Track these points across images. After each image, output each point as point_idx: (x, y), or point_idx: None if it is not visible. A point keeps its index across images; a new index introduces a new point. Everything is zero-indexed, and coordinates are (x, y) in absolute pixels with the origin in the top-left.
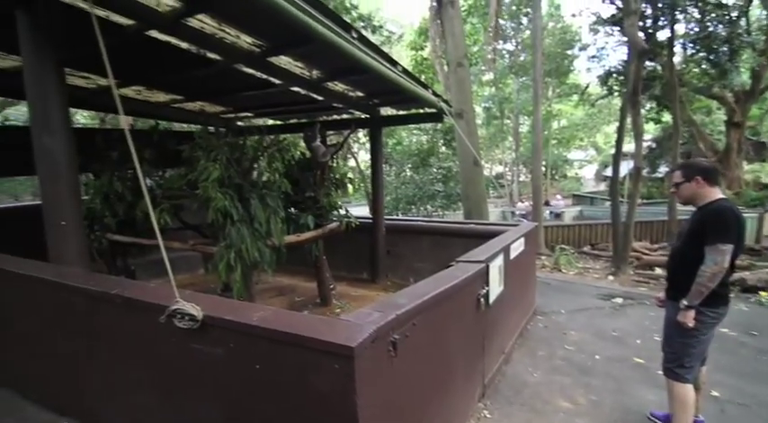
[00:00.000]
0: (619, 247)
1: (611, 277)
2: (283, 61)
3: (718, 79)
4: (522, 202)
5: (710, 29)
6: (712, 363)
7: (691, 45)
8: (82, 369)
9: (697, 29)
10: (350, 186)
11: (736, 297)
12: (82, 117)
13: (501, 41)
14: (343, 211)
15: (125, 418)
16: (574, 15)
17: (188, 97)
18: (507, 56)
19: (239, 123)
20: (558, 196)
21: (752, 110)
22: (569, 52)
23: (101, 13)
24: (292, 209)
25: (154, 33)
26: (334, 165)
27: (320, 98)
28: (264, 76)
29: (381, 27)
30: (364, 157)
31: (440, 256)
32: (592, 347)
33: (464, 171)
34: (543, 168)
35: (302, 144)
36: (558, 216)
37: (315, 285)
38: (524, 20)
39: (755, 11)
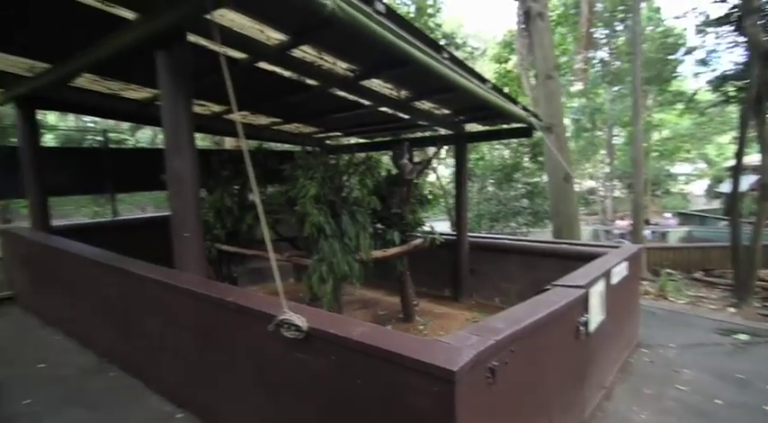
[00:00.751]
0: (741, 275)
1: (731, 309)
2: (374, 84)
3: None
4: (623, 219)
5: None
6: None
7: None
8: (198, 366)
9: None
10: (432, 202)
11: None
12: (199, 140)
13: (593, 50)
14: (427, 228)
15: (235, 415)
16: (678, 17)
17: (286, 120)
18: (599, 64)
19: (328, 142)
20: (667, 214)
21: None
22: (672, 57)
23: (219, 49)
24: (379, 225)
25: (262, 64)
26: (419, 182)
27: (406, 117)
28: (355, 98)
29: (464, 44)
30: (443, 172)
31: (528, 278)
32: (710, 390)
33: (554, 187)
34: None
35: (387, 161)
36: (662, 236)
37: (397, 300)
38: (619, 26)
39: None
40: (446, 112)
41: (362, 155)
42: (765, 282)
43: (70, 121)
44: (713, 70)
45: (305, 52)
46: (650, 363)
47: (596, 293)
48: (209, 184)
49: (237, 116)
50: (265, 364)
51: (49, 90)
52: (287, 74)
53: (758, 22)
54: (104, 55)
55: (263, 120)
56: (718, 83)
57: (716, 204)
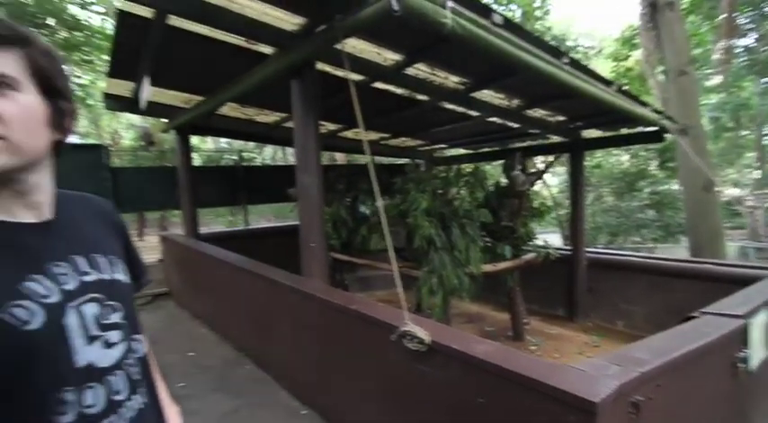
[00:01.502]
0: None
1: None
2: (484, 94)
3: None
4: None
5: None
6: None
7: None
8: (321, 367)
9: None
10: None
11: None
12: None
13: (736, 38)
14: (540, 242)
15: (356, 419)
16: None
17: (394, 134)
18: (744, 53)
19: (435, 155)
20: None
21: None
22: None
23: (340, 73)
24: (489, 238)
25: (377, 84)
26: (531, 193)
27: (516, 125)
28: (463, 110)
29: (576, 44)
30: (553, 181)
31: (658, 301)
32: None
33: (690, 197)
34: None
35: (493, 171)
36: None
37: (506, 317)
38: None
39: None
40: (561, 118)
41: (470, 166)
42: None
43: (209, 143)
44: None
45: (418, 69)
46: None
47: (758, 325)
48: (327, 198)
49: (363, 135)
50: (386, 372)
51: (201, 119)
52: (399, 91)
53: None
54: (248, 86)
55: (372, 135)
56: None
57: None
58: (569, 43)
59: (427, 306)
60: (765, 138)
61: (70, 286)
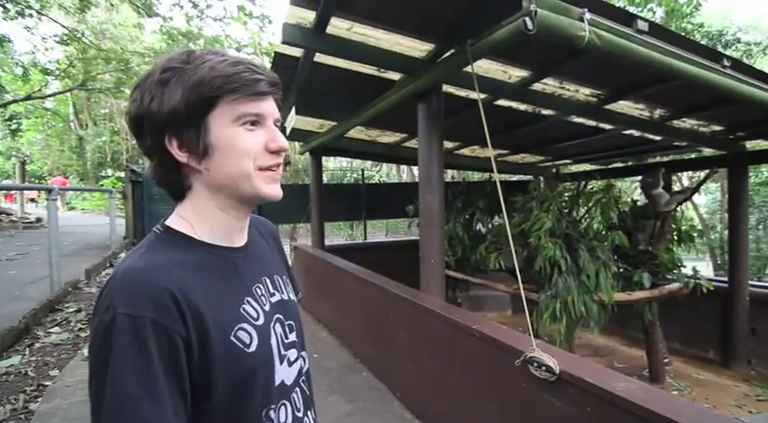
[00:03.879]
0: None
1: None
2: (620, 106)
3: None
4: None
5: None
6: None
7: None
8: (436, 383)
9: None
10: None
11: None
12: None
13: None
14: (688, 271)
15: None
16: None
17: (513, 151)
18: None
19: (554, 170)
20: None
21: None
22: None
23: (463, 93)
24: (623, 263)
25: (499, 101)
26: (677, 214)
27: (658, 138)
28: (594, 123)
29: (736, 40)
30: (701, 200)
31: None
32: None
33: None
34: None
35: (626, 189)
36: None
37: (640, 353)
38: None
39: None
40: (717, 128)
41: (600, 183)
42: None
43: (332, 162)
44: None
45: (545, 84)
46: None
47: None
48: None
49: (491, 152)
50: (507, 398)
51: (332, 141)
52: (523, 107)
53: None
54: (377, 111)
55: (489, 152)
56: None
57: None
58: (727, 38)
59: (546, 333)
60: None
61: (267, 307)
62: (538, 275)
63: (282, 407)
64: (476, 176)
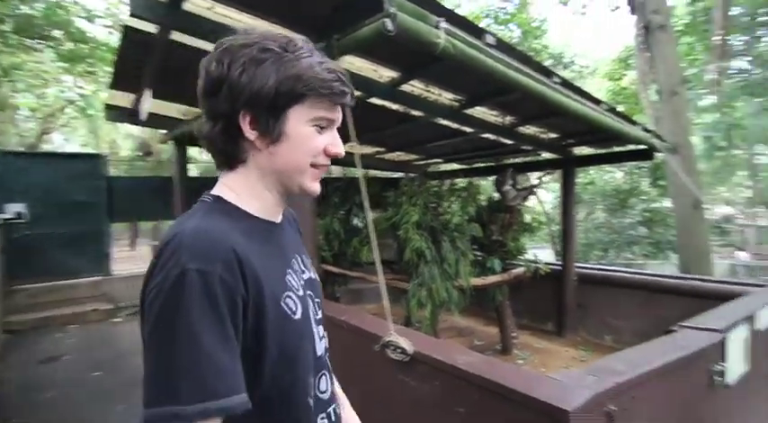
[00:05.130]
0: None
1: None
2: (478, 111)
3: None
4: (742, 250)
5: None
6: None
7: None
8: None
9: None
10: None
11: None
12: None
13: (728, 59)
14: (530, 256)
15: None
16: None
17: (389, 149)
18: (737, 74)
19: (429, 169)
20: None
21: None
22: None
23: None
24: (479, 252)
25: (373, 99)
26: (522, 208)
27: (509, 142)
28: (458, 126)
29: (572, 63)
30: (547, 196)
31: (646, 316)
32: None
33: (680, 215)
34: None
35: (488, 186)
36: None
37: (495, 331)
38: (762, 30)
39: None
40: (553, 136)
41: (463, 181)
42: None
43: (206, 155)
44: None
45: (413, 86)
46: None
47: (737, 340)
48: (320, 210)
49: (357, 149)
50: (368, 382)
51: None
52: (395, 107)
53: None
54: None
55: (367, 149)
56: None
57: None
58: (566, 61)
59: (417, 319)
60: (757, 157)
61: (302, 282)
62: (407, 265)
63: (323, 377)
64: (358, 173)
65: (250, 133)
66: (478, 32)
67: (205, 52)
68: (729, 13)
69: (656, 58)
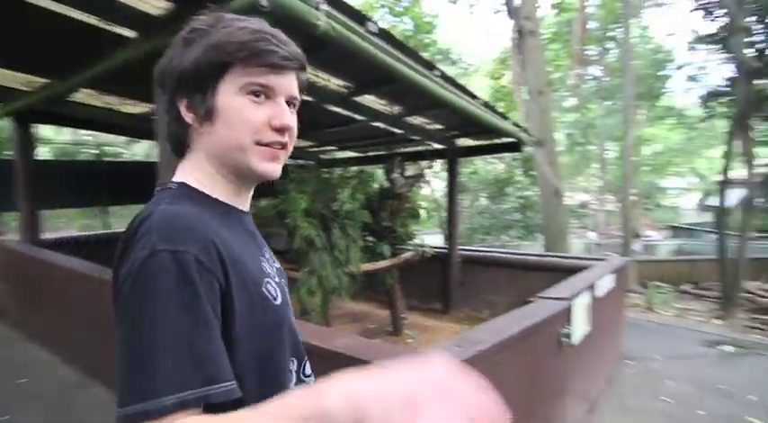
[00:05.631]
0: (727, 287)
1: (717, 321)
2: (368, 99)
3: None
4: (592, 231)
5: None
6: None
7: None
8: None
9: None
10: (423, 215)
11: None
12: None
13: (585, 67)
14: (418, 241)
15: None
16: (669, 35)
17: None
18: (592, 80)
19: (323, 156)
20: (652, 228)
21: None
22: (662, 73)
23: None
24: (370, 238)
25: None
26: (411, 195)
27: (399, 131)
28: (349, 113)
29: (459, 60)
30: (439, 185)
31: (516, 290)
32: (694, 401)
33: (544, 201)
34: (634, 197)
35: (381, 174)
36: (652, 249)
37: (387, 313)
38: (611, 44)
39: None
40: (438, 127)
41: (356, 168)
42: (751, 294)
43: (66, 135)
44: (703, 86)
45: None
46: (635, 375)
47: (580, 306)
48: None
49: None
50: None
51: (45, 105)
52: None
53: (743, 41)
54: (104, 72)
55: None
56: (707, 98)
57: (706, 217)
58: (453, 57)
59: (311, 308)
60: (606, 152)
61: (275, 270)
62: (297, 254)
63: (307, 362)
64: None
65: (187, 116)
66: (361, 19)
67: (53, 15)
68: (587, 26)
69: (527, 61)
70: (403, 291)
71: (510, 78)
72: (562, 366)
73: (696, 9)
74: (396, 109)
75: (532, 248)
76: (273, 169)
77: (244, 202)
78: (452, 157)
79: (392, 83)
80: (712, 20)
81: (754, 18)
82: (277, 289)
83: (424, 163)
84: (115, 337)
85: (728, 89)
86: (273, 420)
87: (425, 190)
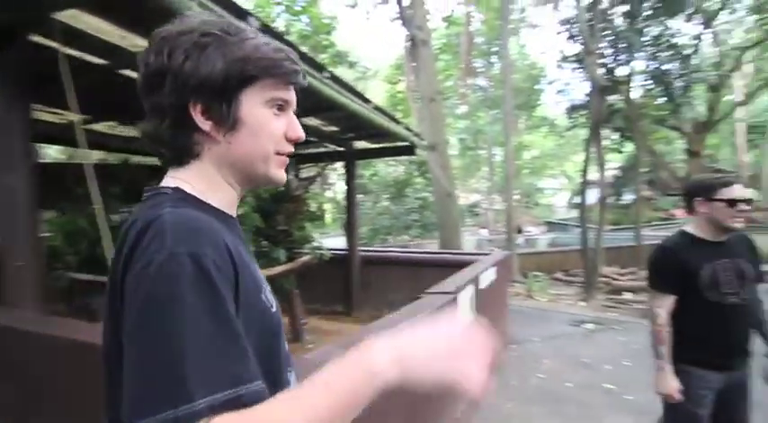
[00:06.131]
0: (588, 273)
1: (582, 303)
2: None
3: (673, 112)
4: (483, 228)
5: (665, 66)
6: None
7: (648, 81)
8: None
9: (654, 66)
10: (327, 218)
11: None
12: (55, 152)
13: (473, 77)
14: (317, 244)
15: None
16: (543, 53)
17: None
18: (479, 90)
19: None
20: (532, 224)
21: (709, 139)
22: (537, 87)
23: (74, 52)
24: (265, 243)
25: (126, 72)
26: (308, 197)
27: None
28: None
29: (357, 63)
30: (340, 187)
31: (413, 287)
32: (564, 375)
33: (438, 202)
34: (517, 196)
35: None
36: (532, 243)
37: (287, 321)
38: (494, 58)
39: (709, 48)
40: (334, 129)
41: None
42: (608, 278)
43: None
44: (570, 100)
45: None
46: (517, 357)
47: (465, 298)
48: (61, 204)
49: (76, 118)
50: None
51: None
52: None
53: (596, 62)
54: None
55: (133, 131)
56: (571, 111)
57: (575, 213)
58: (351, 60)
59: None
60: (494, 156)
61: (264, 279)
62: None
63: (293, 371)
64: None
65: (204, 123)
66: (241, 14)
67: None
68: (474, 41)
69: (419, 69)
70: (305, 295)
71: (405, 85)
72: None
73: (561, 32)
74: None
75: (432, 246)
76: (284, 176)
77: (234, 210)
78: (350, 159)
79: None
80: (574, 42)
81: (606, 43)
82: (271, 297)
83: (321, 165)
84: (128, 345)
85: (587, 103)
86: (323, 399)
87: (329, 192)
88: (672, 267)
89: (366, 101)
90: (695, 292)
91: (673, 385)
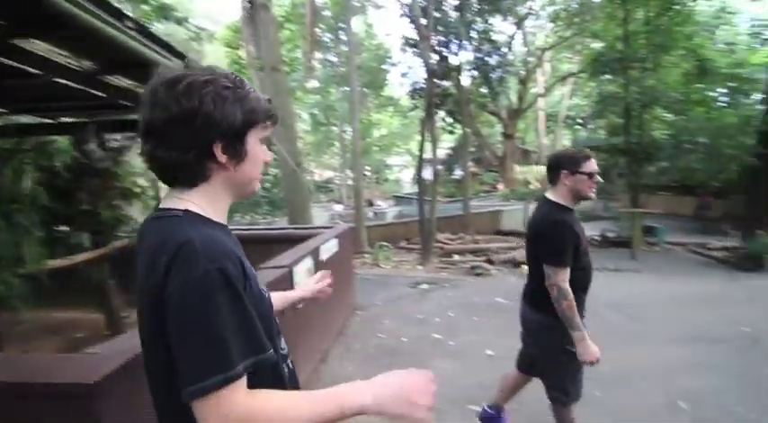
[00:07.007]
0: (425, 240)
1: (420, 267)
2: (41, 47)
3: (492, 100)
4: (338, 203)
5: (485, 58)
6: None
7: (474, 70)
8: None
9: (478, 57)
10: (151, 194)
11: (509, 272)
12: None
13: (322, 51)
14: (136, 226)
15: None
16: (388, 35)
17: None
18: (330, 66)
19: None
20: (382, 199)
21: (520, 124)
22: (384, 67)
23: None
24: (63, 226)
25: None
26: (119, 172)
27: (102, 94)
28: (14, 64)
29: (187, 20)
30: None
31: (259, 265)
32: (400, 332)
33: (285, 177)
34: (367, 173)
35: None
36: (381, 216)
37: (103, 316)
38: (342, 34)
39: (520, 47)
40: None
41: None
42: (441, 243)
43: None
44: (412, 83)
45: None
46: (361, 321)
47: (303, 270)
48: None
49: None
50: None
51: None
52: None
53: (428, 47)
54: None
55: None
56: (412, 93)
57: (417, 188)
58: (179, 15)
59: None
60: (345, 132)
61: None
62: None
63: (282, 337)
64: None
65: (222, 158)
66: (119, 16)
67: None
68: (321, 13)
69: (260, 35)
70: (125, 286)
71: (245, 52)
72: (290, 326)
73: (402, 15)
74: (86, 64)
75: (282, 223)
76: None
77: (226, 217)
78: None
79: (62, 28)
80: (414, 27)
81: (438, 31)
82: (263, 287)
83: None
84: (179, 335)
85: (424, 86)
86: (323, 403)
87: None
88: (573, 241)
89: (183, 58)
90: (577, 260)
91: (596, 350)
